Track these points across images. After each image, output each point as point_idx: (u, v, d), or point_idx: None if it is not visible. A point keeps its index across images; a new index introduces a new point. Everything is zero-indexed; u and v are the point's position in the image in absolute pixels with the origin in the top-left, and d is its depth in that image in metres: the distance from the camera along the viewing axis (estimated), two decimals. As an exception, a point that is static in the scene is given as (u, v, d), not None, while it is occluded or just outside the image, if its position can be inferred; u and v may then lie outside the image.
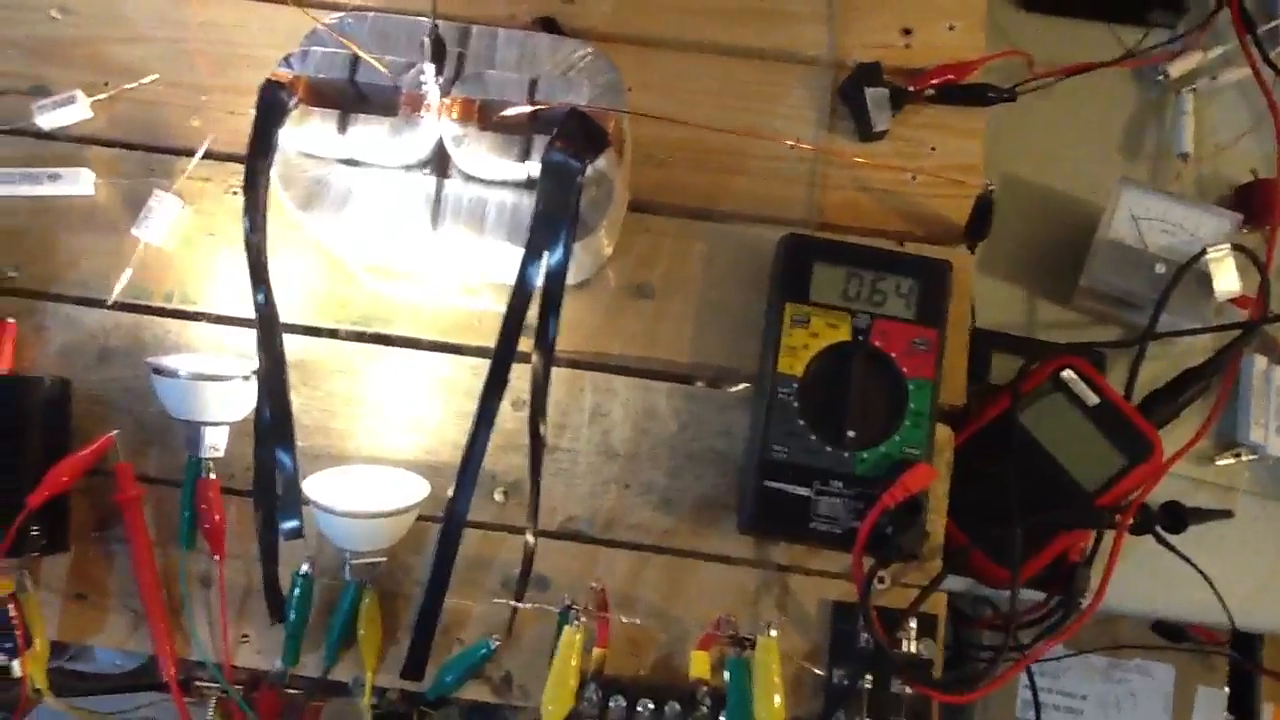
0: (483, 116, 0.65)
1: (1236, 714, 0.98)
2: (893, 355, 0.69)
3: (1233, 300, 0.77)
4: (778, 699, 0.62)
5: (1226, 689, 0.99)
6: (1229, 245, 0.76)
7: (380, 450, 0.73)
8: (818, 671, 0.68)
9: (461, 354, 0.74)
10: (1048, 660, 0.97)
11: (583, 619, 0.65)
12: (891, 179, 0.76)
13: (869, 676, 0.68)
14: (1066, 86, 0.83)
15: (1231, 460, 0.80)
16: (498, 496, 0.73)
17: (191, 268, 0.76)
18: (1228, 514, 0.78)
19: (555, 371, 0.69)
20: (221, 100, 0.78)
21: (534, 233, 0.63)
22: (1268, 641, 0.96)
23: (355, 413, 0.74)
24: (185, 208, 0.76)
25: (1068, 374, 0.74)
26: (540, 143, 0.63)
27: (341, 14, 0.67)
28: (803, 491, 0.68)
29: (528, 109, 0.63)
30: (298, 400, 0.72)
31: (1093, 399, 0.74)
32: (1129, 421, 0.73)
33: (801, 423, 0.68)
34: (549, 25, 0.77)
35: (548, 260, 0.63)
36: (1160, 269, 0.78)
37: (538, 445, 0.66)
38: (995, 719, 0.99)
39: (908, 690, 0.68)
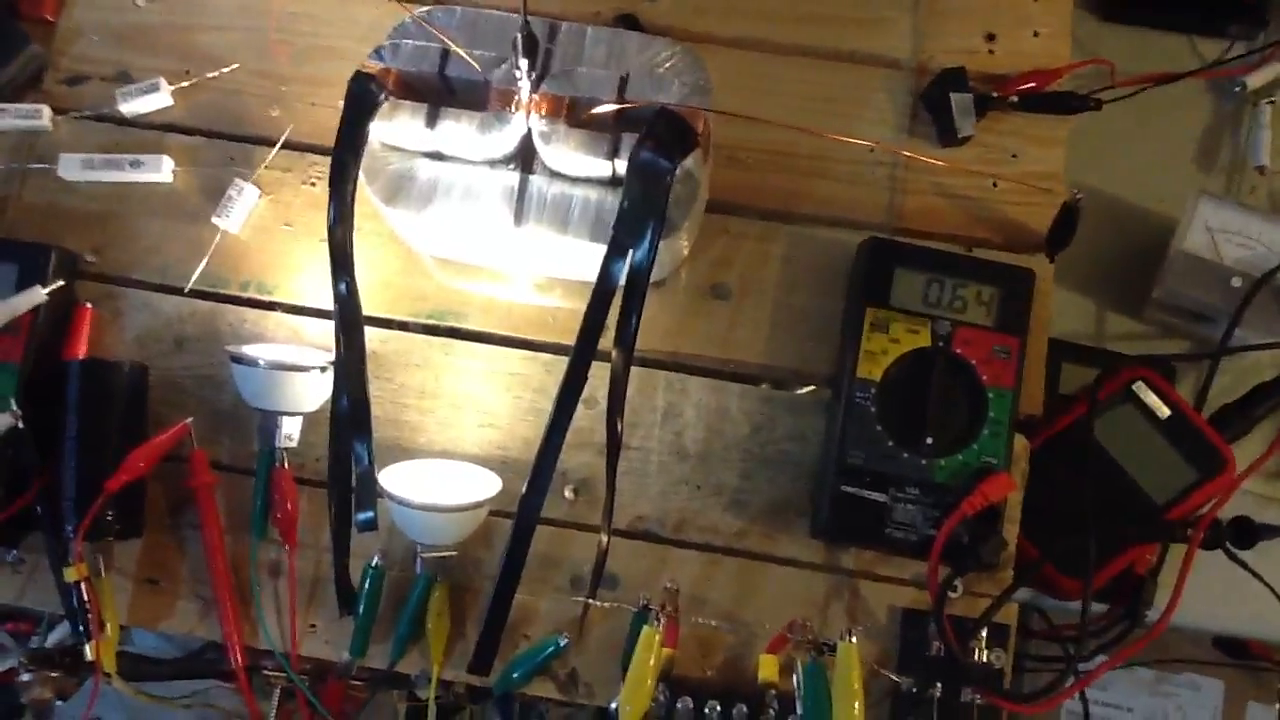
0: (571, 113, 0.64)
1: (1289, 732, 0.98)
2: (973, 363, 0.69)
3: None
4: (857, 705, 0.61)
5: (1278, 705, 0.98)
6: (1307, 260, 0.75)
7: (451, 444, 0.73)
8: (894, 678, 0.68)
9: (534, 350, 0.74)
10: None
11: (662, 619, 0.65)
12: (971, 185, 0.76)
13: (938, 684, 0.68)
14: (1142, 97, 0.82)
15: (1302, 477, 0.79)
16: (568, 494, 0.73)
17: (268, 257, 0.76)
18: (1300, 530, 0.77)
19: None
20: (302, 91, 0.78)
21: (618, 231, 0.62)
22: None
23: (427, 406, 0.74)
24: (263, 197, 0.76)
25: (1139, 386, 0.74)
26: (628, 140, 0.63)
27: (430, 7, 0.67)
28: (879, 497, 0.68)
29: (618, 106, 0.63)
30: (370, 392, 0.72)
31: (1165, 411, 0.73)
32: (1201, 435, 0.73)
33: (879, 428, 0.68)
34: (630, 23, 0.77)
35: (631, 259, 0.62)
36: (1236, 282, 0.77)
37: (615, 444, 0.65)
38: (1040, 728, 0.98)
39: (977, 700, 0.67)
